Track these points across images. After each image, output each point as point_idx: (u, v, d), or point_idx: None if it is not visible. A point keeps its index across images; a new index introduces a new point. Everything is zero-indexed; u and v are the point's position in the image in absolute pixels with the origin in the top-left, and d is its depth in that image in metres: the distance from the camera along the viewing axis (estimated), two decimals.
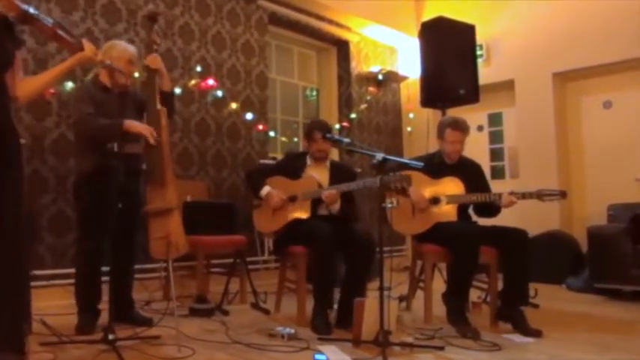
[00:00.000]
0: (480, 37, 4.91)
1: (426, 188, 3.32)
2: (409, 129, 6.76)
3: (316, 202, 3.27)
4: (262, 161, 4.98)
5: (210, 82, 4.67)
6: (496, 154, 6.28)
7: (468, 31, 4.72)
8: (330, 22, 5.96)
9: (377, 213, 5.57)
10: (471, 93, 4.62)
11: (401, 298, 3.58)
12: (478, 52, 5.24)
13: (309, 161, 3.47)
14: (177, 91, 4.29)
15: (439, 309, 3.21)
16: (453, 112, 4.26)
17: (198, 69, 4.66)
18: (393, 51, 6.82)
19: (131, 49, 3.06)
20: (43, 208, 3.64)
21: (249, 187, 3.52)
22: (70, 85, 3.75)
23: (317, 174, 3.40)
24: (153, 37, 3.09)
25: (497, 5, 5.98)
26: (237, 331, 2.94)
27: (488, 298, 3.43)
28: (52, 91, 3.61)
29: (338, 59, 6.30)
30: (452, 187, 3.31)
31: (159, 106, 3.00)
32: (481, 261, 3.14)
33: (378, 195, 2.69)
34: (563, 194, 3.13)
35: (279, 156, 5.13)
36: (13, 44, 1.93)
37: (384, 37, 6.56)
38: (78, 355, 2.42)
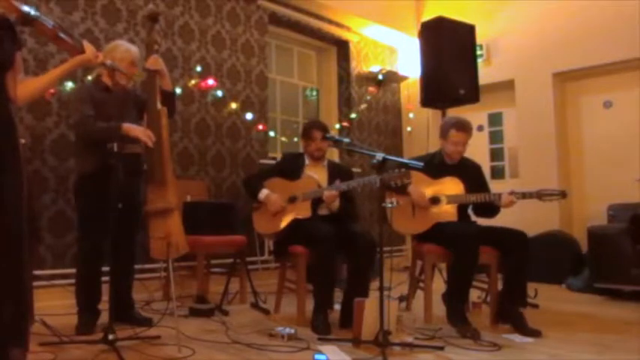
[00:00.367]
0: (479, 37, 4.91)
1: (426, 188, 3.32)
2: (409, 129, 6.76)
3: (316, 202, 3.27)
4: (262, 161, 4.98)
5: (210, 82, 4.66)
6: (496, 154, 6.28)
7: (468, 31, 4.72)
8: (330, 22, 5.96)
9: (377, 213, 5.58)
10: (471, 93, 4.61)
11: (401, 298, 3.58)
12: (478, 52, 5.24)
13: (307, 161, 3.47)
14: (178, 91, 4.29)
15: (439, 309, 3.22)
16: (453, 112, 4.27)
17: (198, 69, 4.66)
18: (393, 51, 6.82)
19: (134, 50, 3.06)
20: (43, 208, 3.64)
21: (248, 193, 3.51)
22: (70, 85, 3.75)
23: (315, 173, 3.40)
24: (154, 37, 3.09)
25: (497, 5, 5.98)
26: (237, 331, 2.94)
27: (488, 298, 3.43)
28: (52, 91, 3.61)
29: (338, 59, 6.30)
30: (452, 187, 3.31)
31: (159, 106, 3.00)
32: (481, 261, 3.14)
33: (378, 195, 2.68)
34: (563, 194, 3.13)
35: (279, 156, 5.12)
36: (13, 45, 1.93)
37: (384, 37, 6.56)
38: (78, 355, 2.42)
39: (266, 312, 3.50)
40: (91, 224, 2.86)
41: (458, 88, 4.53)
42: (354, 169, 5.68)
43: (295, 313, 3.22)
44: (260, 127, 5.07)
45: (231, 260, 3.95)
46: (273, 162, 4.70)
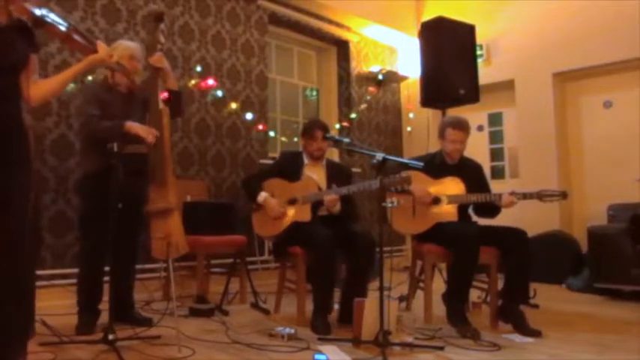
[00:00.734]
0: (479, 37, 4.91)
1: (426, 188, 3.32)
2: (409, 129, 6.76)
3: (316, 204, 3.26)
4: (262, 161, 4.98)
5: (210, 82, 4.66)
6: (496, 154, 6.28)
7: (468, 31, 4.73)
8: (330, 22, 5.96)
9: (377, 213, 5.58)
10: (471, 93, 4.62)
11: (401, 298, 3.58)
12: (478, 52, 5.24)
13: (306, 160, 3.44)
14: None
15: (439, 309, 3.22)
16: (453, 112, 4.26)
17: (198, 69, 4.66)
18: (393, 51, 6.82)
19: (132, 45, 3.09)
20: (43, 208, 3.64)
21: (246, 195, 3.49)
22: (71, 85, 3.74)
23: (314, 174, 3.38)
24: (158, 36, 3.09)
25: (497, 5, 5.98)
26: (237, 331, 2.94)
27: (488, 298, 3.42)
28: None
29: (338, 59, 6.30)
30: (452, 187, 3.31)
31: (161, 105, 3.00)
32: (481, 261, 3.13)
33: (378, 195, 2.69)
34: (563, 195, 3.12)
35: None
36: (28, 47, 1.95)
37: (384, 37, 6.56)
38: (78, 355, 2.42)
39: (266, 312, 3.49)
40: (94, 224, 2.86)
41: (458, 88, 4.53)
42: (354, 169, 5.69)
43: (295, 313, 3.22)
44: (260, 127, 5.07)
45: (231, 260, 3.95)
46: (269, 163, 4.68)
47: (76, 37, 2.12)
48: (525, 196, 3.17)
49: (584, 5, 5.37)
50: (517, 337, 2.86)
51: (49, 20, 2.00)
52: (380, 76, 6.42)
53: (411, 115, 6.66)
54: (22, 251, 1.85)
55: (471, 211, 3.49)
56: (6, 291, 1.80)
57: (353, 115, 6.10)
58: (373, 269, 3.16)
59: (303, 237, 3.14)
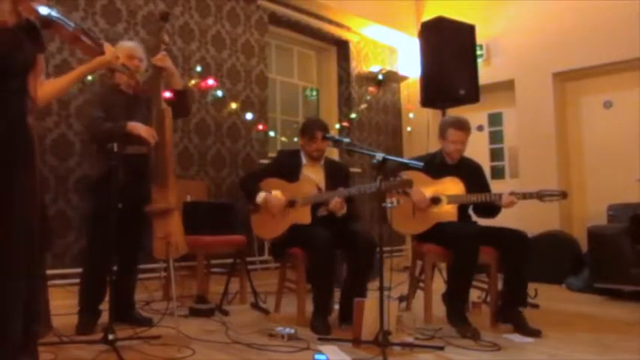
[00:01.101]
0: (480, 37, 4.91)
1: (426, 188, 3.32)
2: (409, 129, 6.76)
3: (315, 205, 3.24)
4: (262, 161, 4.97)
5: (210, 82, 4.67)
6: (496, 154, 6.28)
7: (468, 31, 4.72)
8: (330, 22, 5.96)
9: (377, 213, 5.58)
10: (471, 93, 4.62)
11: (401, 298, 3.57)
12: (478, 52, 5.24)
13: (304, 160, 3.39)
14: None
15: (439, 309, 3.21)
16: (453, 112, 4.26)
17: (198, 69, 4.66)
18: (393, 51, 6.82)
19: (130, 44, 3.11)
20: (42, 208, 3.64)
21: (245, 195, 3.46)
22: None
23: (313, 174, 3.34)
24: (162, 36, 3.08)
25: (497, 5, 5.98)
26: (237, 331, 2.94)
27: (488, 298, 3.42)
28: None
29: (338, 59, 6.30)
30: (452, 187, 3.31)
31: (164, 105, 3.00)
32: (481, 261, 3.14)
33: (378, 195, 2.68)
34: (563, 195, 3.12)
35: None
36: (34, 47, 1.96)
37: (384, 37, 6.56)
38: (78, 355, 2.42)
39: (266, 312, 3.49)
40: (102, 225, 2.86)
41: (458, 88, 4.53)
42: (355, 170, 5.69)
43: (295, 313, 3.22)
44: (260, 127, 5.07)
45: (231, 260, 3.95)
46: (270, 161, 4.65)
47: (83, 37, 2.12)
48: (525, 196, 3.17)
49: (584, 5, 5.37)
50: (517, 337, 2.86)
51: (56, 20, 2.00)
52: (380, 76, 6.42)
53: (411, 115, 6.66)
54: (31, 249, 1.85)
55: (470, 211, 3.49)
56: (5, 291, 1.80)
57: (353, 115, 6.10)
58: (373, 269, 3.16)
59: (302, 239, 3.13)
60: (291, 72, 6.06)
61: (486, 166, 5.97)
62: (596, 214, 5.11)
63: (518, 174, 5.90)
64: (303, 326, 2.99)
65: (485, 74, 5.33)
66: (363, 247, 3.08)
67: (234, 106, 4.88)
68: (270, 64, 5.61)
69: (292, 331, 2.77)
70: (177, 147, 4.44)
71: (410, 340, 2.69)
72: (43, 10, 1.94)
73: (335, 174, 3.42)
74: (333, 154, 5.70)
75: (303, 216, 3.18)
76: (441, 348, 2.60)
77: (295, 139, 5.57)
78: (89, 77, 3.83)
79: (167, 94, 3.08)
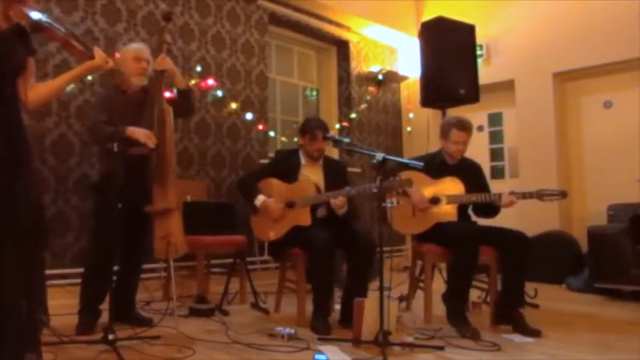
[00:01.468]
0: (480, 37, 4.91)
1: (426, 188, 3.32)
2: (409, 129, 6.76)
3: (315, 205, 3.23)
4: (262, 161, 4.97)
5: (210, 82, 4.67)
6: (496, 154, 6.28)
7: (468, 31, 4.72)
8: (330, 22, 5.96)
9: (377, 213, 5.58)
10: (471, 93, 4.62)
11: (401, 298, 3.57)
12: (478, 52, 5.24)
13: (303, 160, 3.36)
14: None
15: (439, 309, 3.21)
16: (453, 112, 4.26)
17: (198, 69, 4.66)
18: (393, 51, 6.82)
19: (135, 46, 3.11)
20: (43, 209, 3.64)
21: (243, 197, 3.44)
22: (71, 86, 3.75)
23: (312, 174, 3.33)
24: (164, 36, 3.08)
25: (497, 5, 5.98)
26: (237, 331, 2.94)
27: (489, 298, 3.43)
28: None
29: (338, 59, 6.30)
30: (452, 187, 3.31)
31: (165, 105, 3.01)
32: (481, 261, 3.14)
33: (378, 195, 2.68)
34: (563, 194, 3.12)
35: None
36: (25, 51, 1.98)
37: (384, 37, 6.56)
38: (78, 355, 2.42)
39: (266, 312, 3.49)
40: (101, 224, 2.86)
41: (458, 88, 4.53)
42: (355, 170, 5.70)
43: (295, 313, 3.21)
44: (260, 127, 5.07)
45: (231, 260, 3.95)
46: (268, 161, 4.63)
47: (73, 42, 2.14)
48: (525, 196, 3.17)
49: (584, 5, 5.37)
50: (517, 337, 2.86)
51: (46, 24, 2.02)
52: (380, 76, 6.42)
53: (411, 115, 6.66)
54: (30, 249, 1.86)
55: (470, 211, 3.49)
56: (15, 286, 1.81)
57: (353, 115, 6.10)
58: (373, 269, 3.15)
59: (302, 240, 3.12)
60: (291, 72, 6.06)
61: (486, 166, 5.97)
62: (596, 214, 5.11)
63: (518, 174, 5.90)
64: (303, 326, 2.98)
65: (485, 74, 5.33)
66: (363, 247, 3.08)
67: (234, 106, 4.88)
68: (270, 64, 5.61)
69: (292, 331, 2.77)
70: (177, 147, 4.44)
71: (410, 340, 2.70)
72: (35, 15, 1.97)
73: (334, 173, 3.41)
74: (333, 153, 5.70)
75: (303, 217, 3.17)
76: (441, 348, 2.60)
77: (295, 139, 5.58)
78: (89, 77, 3.83)
79: (168, 94, 3.09)
